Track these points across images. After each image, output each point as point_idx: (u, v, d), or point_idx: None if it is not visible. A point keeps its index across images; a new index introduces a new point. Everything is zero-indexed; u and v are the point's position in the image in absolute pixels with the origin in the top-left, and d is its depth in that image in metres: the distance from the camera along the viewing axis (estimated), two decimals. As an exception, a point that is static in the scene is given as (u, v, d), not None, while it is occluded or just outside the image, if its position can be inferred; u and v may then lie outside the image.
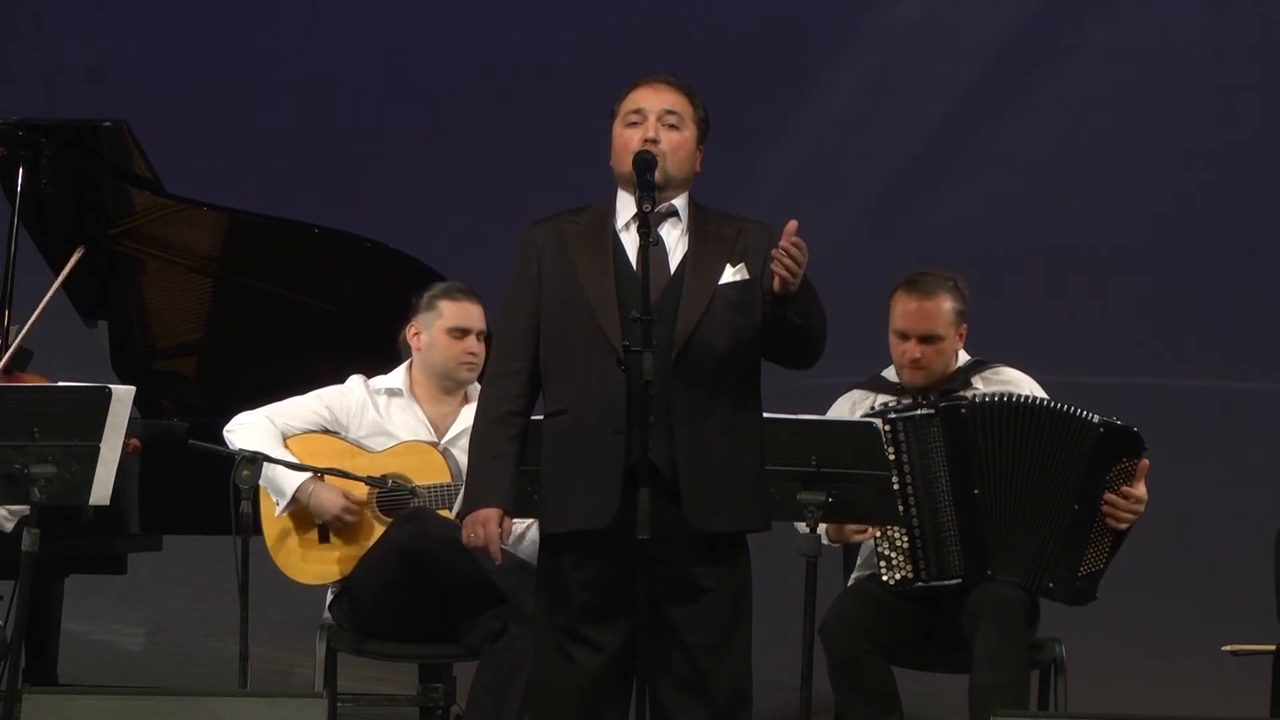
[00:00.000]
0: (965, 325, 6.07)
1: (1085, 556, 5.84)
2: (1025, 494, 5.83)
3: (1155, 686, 7.85)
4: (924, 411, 5.84)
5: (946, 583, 5.84)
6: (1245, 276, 8.84)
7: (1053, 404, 5.87)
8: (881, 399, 6.02)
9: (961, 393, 5.93)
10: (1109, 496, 5.79)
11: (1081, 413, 5.83)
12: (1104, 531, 5.84)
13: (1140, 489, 5.81)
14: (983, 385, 6.00)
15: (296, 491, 6.14)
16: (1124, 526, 5.82)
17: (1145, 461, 5.81)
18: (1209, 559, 8.34)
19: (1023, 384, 6.02)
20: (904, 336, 6.01)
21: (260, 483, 6.10)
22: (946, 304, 6.02)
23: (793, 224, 4.76)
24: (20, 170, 6.98)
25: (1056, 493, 5.82)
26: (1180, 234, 8.87)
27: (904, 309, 6.02)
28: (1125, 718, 6.46)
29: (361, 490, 6.17)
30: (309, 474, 6.15)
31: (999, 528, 5.83)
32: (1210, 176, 8.90)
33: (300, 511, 6.20)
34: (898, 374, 6.07)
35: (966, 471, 5.82)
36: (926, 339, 5.99)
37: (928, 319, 5.99)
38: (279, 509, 6.17)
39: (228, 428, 6.23)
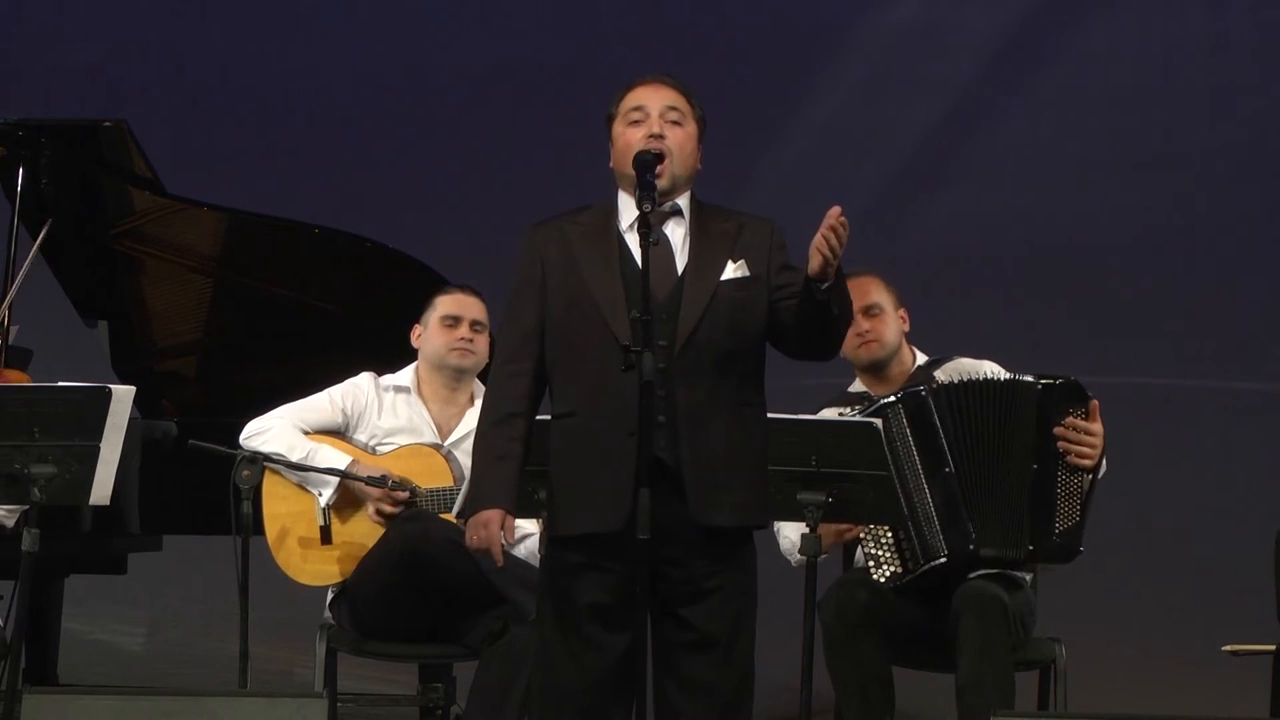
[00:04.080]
0: (905, 309, 6.21)
1: (1057, 513, 5.92)
2: (991, 465, 5.91)
3: (1155, 686, 7.85)
4: (886, 400, 5.92)
5: (934, 563, 5.87)
6: (1245, 276, 8.84)
7: (996, 375, 6.00)
8: (855, 410, 6.07)
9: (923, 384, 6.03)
10: (1059, 430, 5.89)
11: (1020, 377, 5.96)
12: (1071, 485, 5.91)
13: (1093, 425, 5.89)
14: (943, 376, 6.07)
15: (342, 479, 6.16)
16: (1086, 463, 5.89)
17: (1095, 402, 5.91)
18: (1209, 559, 8.34)
19: (982, 368, 6.13)
20: None
21: (294, 480, 6.17)
22: (875, 281, 6.20)
23: (836, 209, 4.73)
24: (20, 170, 6.98)
25: (1017, 458, 5.90)
26: (1180, 234, 8.87)
27: None
28: (1125, 717, 6.45)
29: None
30: (344, 462, 6.18)
31: (974, 501, 5.90)
32: (1210, 176, 8.91)
33: (302, 512, 6.20)
34: (855, 363, 6.18)
35: (936, 453, 5.89)
36: (867, 310, 6.13)
37: (863, 292, 6.11)
38: (324, 499, 6.18)
39: (245, 435, 6.22)
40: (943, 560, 5.87)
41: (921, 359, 6.20)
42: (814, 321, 4.83)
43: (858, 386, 6.20)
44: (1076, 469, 5.90)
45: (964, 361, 6.17)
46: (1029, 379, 5.93)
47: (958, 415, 5.90)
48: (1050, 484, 5.90)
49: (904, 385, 6.06)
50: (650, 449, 4.71)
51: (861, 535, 5.95)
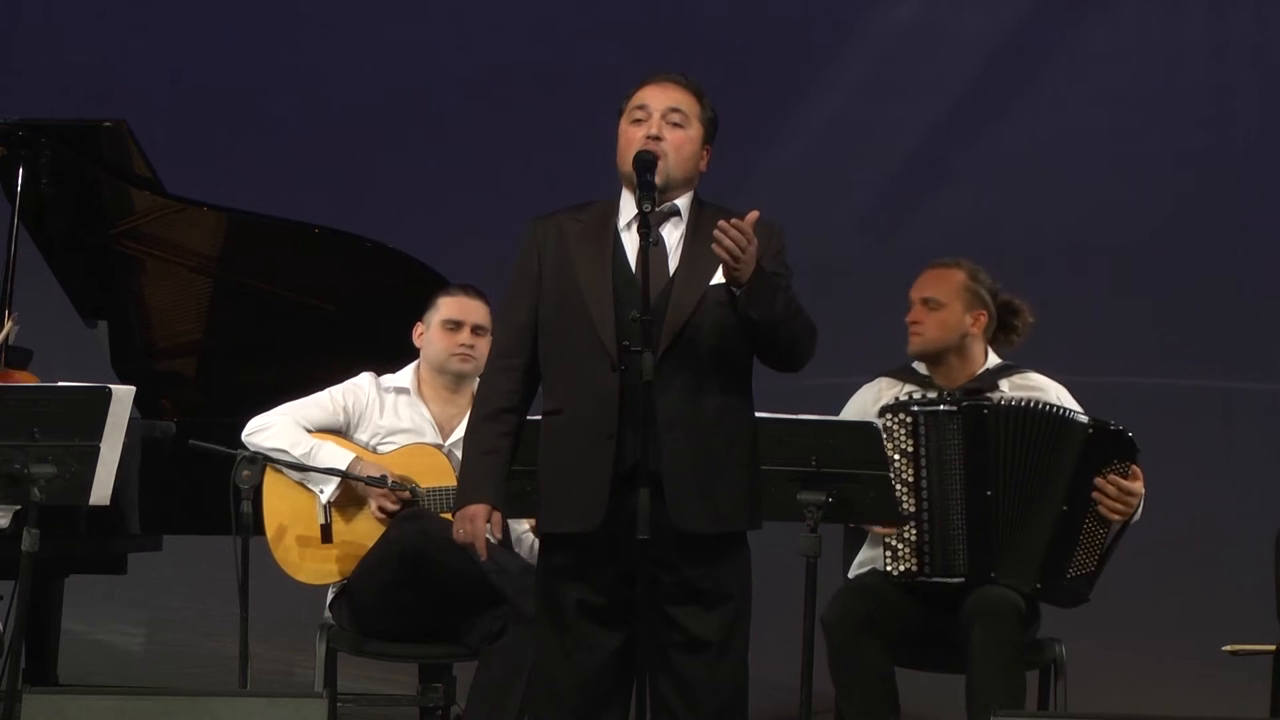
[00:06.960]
0: (984, 313, 6.08)
1: (1074, 558, 5.86)
2: (1026, 496, 5.84)
3: (1155, 686, 7.85)
4: (947, 408, 5.86)
5: (949, 580, 5.85)
6: (1245, 277, 8.84)
7: (1049, 406, 5.88)
8: (908, 389, 6.03)
9: (987, 394, 5.94)
10: (1098, 482, 5.80)
11: (1072, 413, 5.87)
12: (1095, 535, 5.85)
13: (1135, 484, 5.81)
14: (1009, 389, 6.00)
15: (344, 476, 6.16)
16: (1116, 518, 5.82)
17: (1136, 468, 5.83)
18: (1209, 559, 8.33)
19: (1049, 389, 6.03)
20: (911, 304, 6.07)
21: (295, 478, 6.17)
22: (957, 277, 6.08)
23: (753, 214, 4.74)
24: (20, 170, 6.98)
25: (1050, 495, 5.84)
26: (1180, 234, 8.87)
27: (917, 280, 6.12)
28: (1125, 718, 6.45)
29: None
30: (346, 460, 6.17)
31: (1005, 531, 5.84)
32: (1210, 176, 8.90)
33: (303, 509, 6.20)
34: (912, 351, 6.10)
35: (981, 472, 5.83)
36: (926, 302, 6.05)
37: (930, 284, 6.06)
38: (325, 496, 6.18)
39: (247, 432, 6.22)
40: (959, 581, 5.85)
41: (994, 361, 6.08)
42: (744, 327, 4.83)
43: (922, 367, 6.10)
44: (1105, 521, 5.83)
45: (1036, 378, 6.06)
46: (1082, 419, 5.83)
47: (1010, 439, 5.81)
48: (1075, 529, 5.83)
49: (968, 384, 5.99)
50: (644, 451, 4.70)
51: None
